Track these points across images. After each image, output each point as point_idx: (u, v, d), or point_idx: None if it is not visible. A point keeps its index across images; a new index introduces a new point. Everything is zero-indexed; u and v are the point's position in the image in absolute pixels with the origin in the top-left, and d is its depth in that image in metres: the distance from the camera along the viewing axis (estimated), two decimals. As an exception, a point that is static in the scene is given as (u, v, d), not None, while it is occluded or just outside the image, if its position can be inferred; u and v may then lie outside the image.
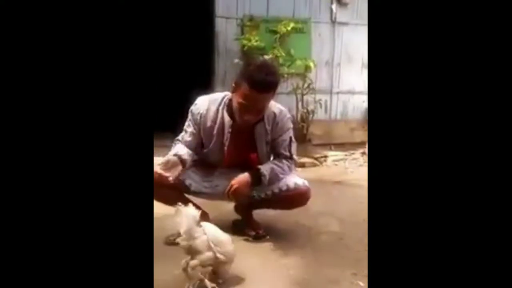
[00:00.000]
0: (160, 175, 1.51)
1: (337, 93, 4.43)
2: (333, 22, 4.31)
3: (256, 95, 1.55)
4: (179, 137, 1.76)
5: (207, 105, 1.71)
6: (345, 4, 4.29)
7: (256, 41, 3.75)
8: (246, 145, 1.73)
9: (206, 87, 4.40)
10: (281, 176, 1.72)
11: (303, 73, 3.94)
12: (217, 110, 1.70)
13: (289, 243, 1.77)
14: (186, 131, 1.74)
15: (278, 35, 3.83)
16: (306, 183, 1.76)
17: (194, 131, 1.72)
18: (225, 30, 3.98)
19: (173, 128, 3.72)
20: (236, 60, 3.83)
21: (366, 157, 3.96)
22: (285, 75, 3.84)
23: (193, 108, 1.74)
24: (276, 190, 1.72)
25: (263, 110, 1.64)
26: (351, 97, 4.49)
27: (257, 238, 1.78)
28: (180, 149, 1.68)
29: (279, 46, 3.79)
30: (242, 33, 3.92)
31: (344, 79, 4.43)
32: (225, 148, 1.71)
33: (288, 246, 1.73)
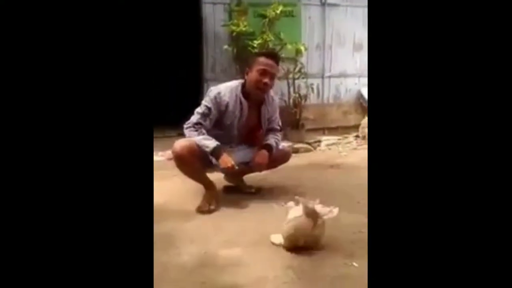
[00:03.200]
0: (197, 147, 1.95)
1: (329, 76, 4.38)
2: (323, 4, 4.23)
3: (271, 63, 2.06)
4: (199, 121, 2.01)
5: (229, 93, 2.06)
6: (335, -15, 4.22)
7: (245, 26, 3.67)
8: (254, 123, 2.18)
9: (195, 74, 4.33)
10: (279, 145, 2.29)
11: (294, 57, 3.87)
12: (236, 96, 2.08)
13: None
14: (205, 115, 2.02)
15: (267, 19, 3.74)
16: (286, 146, 2.55)
17: (212, 117, 2.03)
18: (213, 15, 3.89)
19: (162, 115, 3.69)
20: (225, 46, 3.75)
21: (359, 141, 3.96)
22: (276, 60, 3.78)
23: (216, 96, 2.03)
24: None
25: (275, 77, 2.11)
26: (344, 80, 4.45)
27: (258, 192, 2.31)
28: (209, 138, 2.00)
29: (268, 31, 3.71)
30: (230, 18, 3.83)
31: (336, 62, 4.38)
32: (241, 125, 2.11)
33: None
